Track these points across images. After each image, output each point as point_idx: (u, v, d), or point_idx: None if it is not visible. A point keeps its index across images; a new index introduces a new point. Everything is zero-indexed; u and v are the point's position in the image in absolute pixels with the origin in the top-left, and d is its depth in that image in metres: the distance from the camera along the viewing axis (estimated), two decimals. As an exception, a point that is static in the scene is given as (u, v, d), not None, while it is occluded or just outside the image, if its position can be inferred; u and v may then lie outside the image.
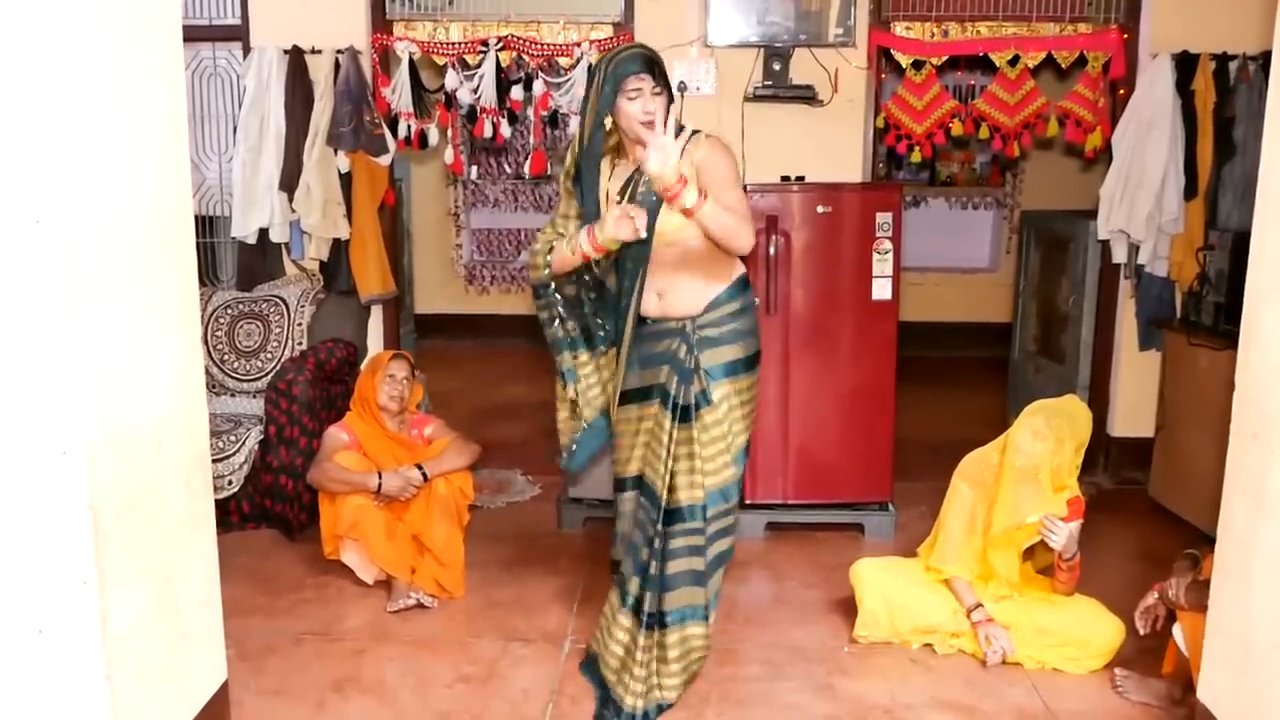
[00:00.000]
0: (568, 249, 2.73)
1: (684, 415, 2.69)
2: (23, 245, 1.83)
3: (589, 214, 2.73)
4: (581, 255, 2.70)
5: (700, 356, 2.71)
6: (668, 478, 2.70)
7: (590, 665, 2.88)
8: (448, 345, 7.30)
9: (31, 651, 1.97)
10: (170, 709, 2.29)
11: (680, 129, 2.63)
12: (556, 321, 2.88)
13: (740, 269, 2.82)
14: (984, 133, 4.36)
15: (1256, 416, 2.28)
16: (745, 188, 3.27)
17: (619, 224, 2.61)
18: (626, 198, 2.71)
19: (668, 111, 2.63)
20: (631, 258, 2.72)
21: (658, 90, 2.63)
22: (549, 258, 2.78)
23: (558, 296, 2.85)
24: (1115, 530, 3.97)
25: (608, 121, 2.68)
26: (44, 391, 1.89)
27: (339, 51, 4.18)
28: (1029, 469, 2.98)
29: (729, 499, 2.77)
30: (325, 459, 3.42)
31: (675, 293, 2.75)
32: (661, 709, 2.69)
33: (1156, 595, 2.78)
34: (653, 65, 2.64)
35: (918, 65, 4.28)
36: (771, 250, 3.74)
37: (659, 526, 2.69)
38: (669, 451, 2.70)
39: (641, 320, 2.80)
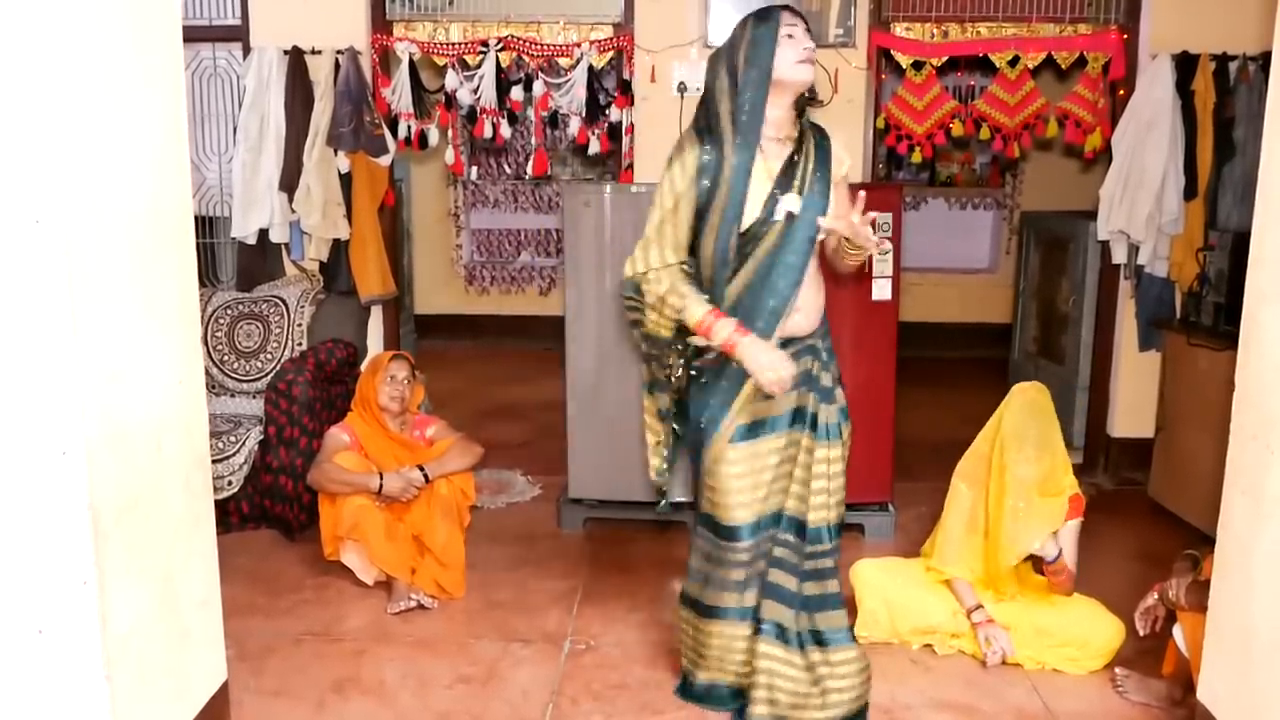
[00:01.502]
0: (692, 314, 2.42)
1: (834, 434, 2.58)
2: (23, 245, 1.83)
3: (734, 210, 2.41)
4: (702, 334, 2.44)
5: (829, 373, 2.60)
6: (816, 499, 2.57)
7: None
8: (448, 345, 7.31)
9: (31, 651, 1.97)
10: (170, 709, 2.29)
11: (818, 130, 2.51)
12: (668, 371, 2.62)
13: None
14: (984, 133, 4.37)
15: (1256, 417, 2.28)
16: None
17: (770, 371, 2.40)
18: (799, 181, 2.44)
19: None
20: (783, 272, 2.44)
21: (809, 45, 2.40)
22: (680, 314, 2.45)
23: (676, 355, 2.56)
24: (1115, 530, 3.97)
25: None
26: (44, 391, 1.89)
27: (339, 52, 4.18)
28: (1030, 486, 2.97)
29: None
30: (326, 460, 3.41)
31: (805, 309, 2.53)
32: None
33: (1156, 596, 2.78)
34: (798, 13, 2.43)
35: (918, 66, 4.28)
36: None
37: (807, 548, 2.58)
38: (816, 475, 2.57)
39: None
